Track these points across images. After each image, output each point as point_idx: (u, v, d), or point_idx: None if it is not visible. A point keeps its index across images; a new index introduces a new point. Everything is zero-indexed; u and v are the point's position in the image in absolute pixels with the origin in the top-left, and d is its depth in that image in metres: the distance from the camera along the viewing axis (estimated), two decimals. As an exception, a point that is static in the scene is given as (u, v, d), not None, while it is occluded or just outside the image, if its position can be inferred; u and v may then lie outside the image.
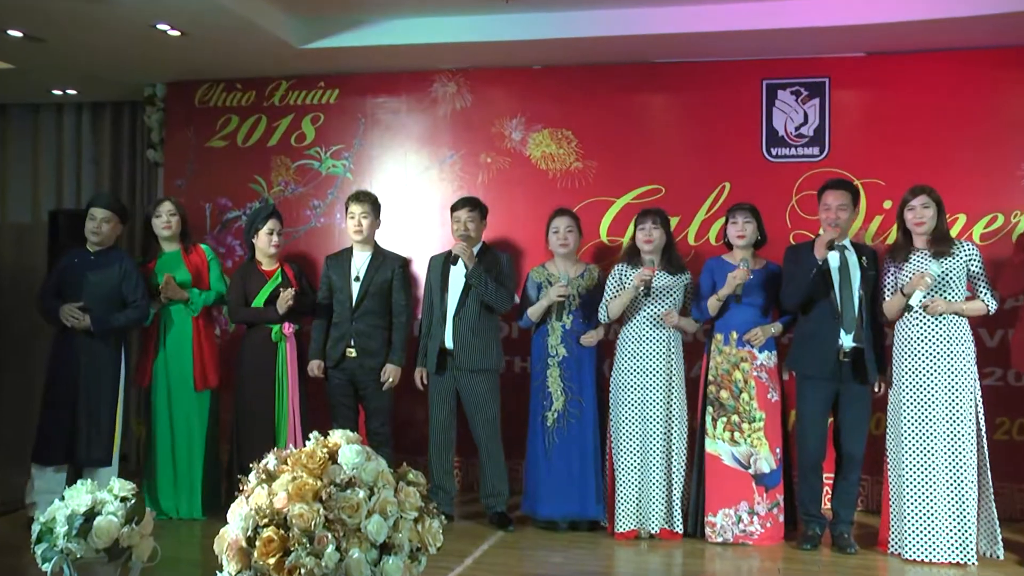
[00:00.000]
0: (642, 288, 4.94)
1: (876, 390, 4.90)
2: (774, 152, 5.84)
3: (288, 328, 5.38)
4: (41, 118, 7.38)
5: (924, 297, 4.58)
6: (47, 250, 6.88)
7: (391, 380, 5.38)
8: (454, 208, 5.40)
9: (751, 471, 4.94)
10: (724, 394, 4.98)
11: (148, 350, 5.50)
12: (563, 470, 5.16)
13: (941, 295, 4.63)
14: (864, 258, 4.85)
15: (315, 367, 5.42)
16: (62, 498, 3.40)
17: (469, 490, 5.97)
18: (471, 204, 5.37)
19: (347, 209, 5.48)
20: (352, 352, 5.37)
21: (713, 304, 4.98)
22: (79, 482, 3.46)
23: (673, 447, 5.04)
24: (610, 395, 5.15)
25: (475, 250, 5.29)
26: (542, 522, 5.23)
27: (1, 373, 7.29)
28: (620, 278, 5.14)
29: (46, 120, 7.37)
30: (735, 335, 4.98)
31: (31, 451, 5.30)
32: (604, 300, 5.18)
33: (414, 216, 6.28)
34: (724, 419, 4.98)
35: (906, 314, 4.69)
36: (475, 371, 5.27)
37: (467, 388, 5.30)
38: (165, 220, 5.52)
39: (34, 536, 3.34)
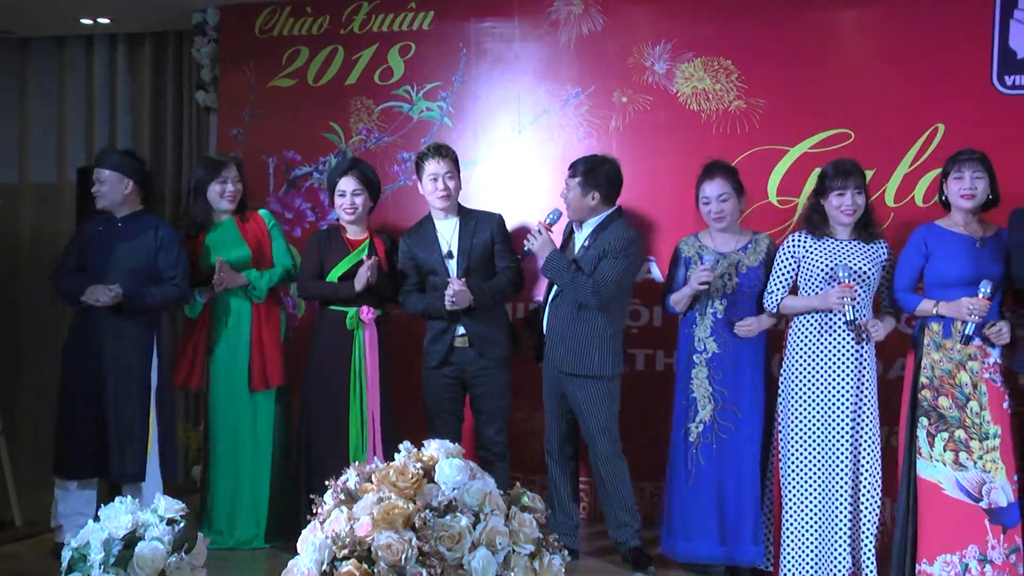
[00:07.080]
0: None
1: None
2: (1010, 81, 5.65)
3: (367, 313, 5.45)
4: (68, 53, 7.59)
5: None
6: (75, 215, 7.07)
7: (456, 288, 5.30)
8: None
9: (983, 504, 4.78)
10: (944, 402, 4.84)
11: (193, 347, 5.64)
12: (709, 499, 5.14)
13: None
14: None
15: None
16: (97, 518, 3.52)
17: (598, 520, 5.96)
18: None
19: (421, 169, 5.49)
20: (464, 342, 5.45)
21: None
22: (117, 499, 3.57)
23: (863, 471, 4.94)
24: (778, 402, 5.09)
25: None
26: (688, 565, 5.21)
27: (21, 367, 7.56)
28: (795, 253, 5.06)
29: (74, 56, 7.58)
30: (960, 326, 4.83)
31: (51, 462, 5.50)
32: (772, 283, 5.12)
33: (527, 172, 6.29)
34: (945, 435, 4.83)
35: None
36: (574, 375, 5.32)
37: (570, 391, 5.36)
38: (232, 189, 5.65)
39: (64, 564, 3.45)
